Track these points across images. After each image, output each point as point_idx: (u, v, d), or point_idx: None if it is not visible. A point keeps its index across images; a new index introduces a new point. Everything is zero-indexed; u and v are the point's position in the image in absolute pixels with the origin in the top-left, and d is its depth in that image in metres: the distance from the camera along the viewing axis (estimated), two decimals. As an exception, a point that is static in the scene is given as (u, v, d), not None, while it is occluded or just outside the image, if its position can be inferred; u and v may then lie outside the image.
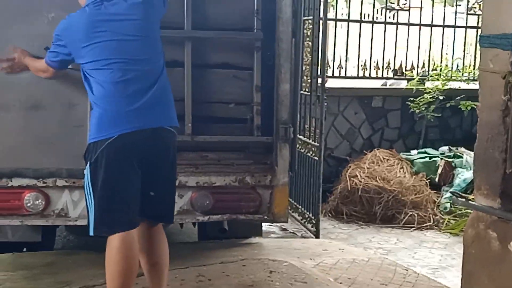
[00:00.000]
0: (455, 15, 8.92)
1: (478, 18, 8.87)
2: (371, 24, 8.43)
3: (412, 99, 8.01)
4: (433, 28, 8.71)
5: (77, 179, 3.95)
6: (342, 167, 7.60)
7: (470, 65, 9.07)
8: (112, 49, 3.17)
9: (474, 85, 7.83)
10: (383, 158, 7.45)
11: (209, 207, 4.21)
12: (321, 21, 5.86)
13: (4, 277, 4.19)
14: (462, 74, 8.79)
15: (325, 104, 6.04)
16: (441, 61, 8.91)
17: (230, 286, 3.94)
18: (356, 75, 8.53)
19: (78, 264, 4.50)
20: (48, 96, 3.93)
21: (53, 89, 3.87)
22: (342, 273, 4.44)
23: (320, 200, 6.06)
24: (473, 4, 9.30)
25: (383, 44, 8.41)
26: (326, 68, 6.54)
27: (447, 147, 7.94)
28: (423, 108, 7.99)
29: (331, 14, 7.99)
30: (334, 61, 8.27)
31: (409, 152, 7.97)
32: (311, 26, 5.95)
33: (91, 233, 3.18)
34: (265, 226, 5.66)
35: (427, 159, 7.67)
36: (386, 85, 8.79)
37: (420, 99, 7.97)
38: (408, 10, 8.71)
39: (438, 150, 7.93)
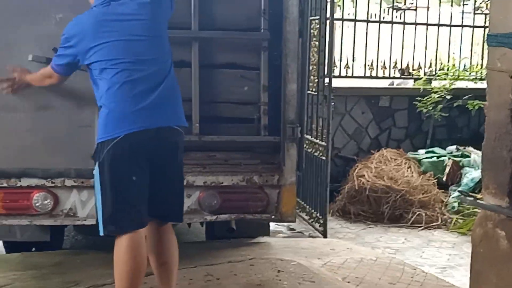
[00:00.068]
0: (462, 14, 8.90)
1: (485, 17, 8.86)
2: (378, 24, 8.42)
3: (419, 98, 8.01)
4: (440, 27, 8.69)
5: (86, 179, 3.97)
6: (350, 166, 7.60)
7: (477, 65, 9.04)
8: (120, 49, 3.18)
9: (482, 85, 7.83)
10: (391, 158, 7.44)
11: (217, 207, 4.22)
12: (327, 21, 5.86)
13: (14, 276, 4.21)
14: (469, 74, 8.76)
15: (332, 103, 6.04)
16: (448, 60, 8.89)
17: (238, 285, 3.95)
18: (363, 74, 8.53)
19: (86, 263, 4.52)
20: (57, 97, 3.95)
21: (61, 89, 3.88)
22: (350, 273, 4.44)
23: (328, 200, 6.07)
24: (480, 3, 9.28)
25: (390, 43, 8.40)
26: (333, 68, 6.54)
27: (454, 147, 7.93)
28: (431, 108, 7.98)
29: (337, 14, 8.00)
30: (341, 61, 8.27)
31: (417, 151, 7.97)
32: (317, 26, 5.95)
33: (101, 233, 3.20)
34: (272, 225, 5.67)
35: (434, 158, 7.66)
36: (393, 84, 8.79)
37: (428, 98, 7.96)
38: (415, 10, 8.70)
39: (445, 150, 7.92)
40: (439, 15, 8.70)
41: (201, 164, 4.21)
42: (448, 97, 7.99)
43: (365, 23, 8.31)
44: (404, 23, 8.64)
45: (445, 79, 8.30)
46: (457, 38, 8.89)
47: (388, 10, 9.36)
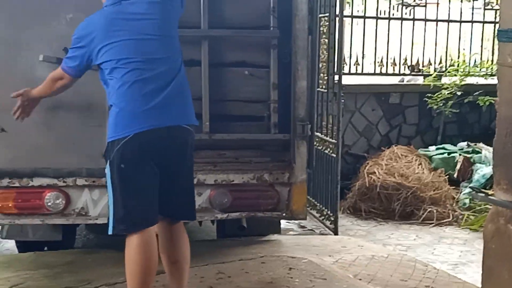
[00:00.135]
0: (472, 10, 8.88)
1: (495, 13, 8.82)
2: (387, 21, 8.41)
3: (429, 95, 7.99)
4: (450, 23, 8.67)
5: (97, 178, 3.99)
6: (360, 164, 7.59)
7: (487, 60, 9.01)
8: (130, 49, 3.19)
9: (492, 80, 7.80)
10: (401, 155, 7.43)
11: (228, 205, 4.22)
12: (337, 18, 5.86)
13: (26, 276, 4.24)
14: (480, 70, 8.74)
15: (342, 101, 6.03)
16: (459, 56, 8.86)
17: (250, 283, 3.95)
18: (373, 71, 8.53)
19: (98, 262, 4.54)
20: (67, 97, 3.95)
21: (72, 89, 3.87)
22: (361, 270, 4.44)
23: (338, 197, 6.06)
24: (490, -1, 9.26)
25: (400, 40, 8.38)
26: (342, 65, 6.53)
27: (465, 143, 7.90)
28: (441, 104, 7.96)
29: (347, 11, 8.00)
30: (350, 58, 8.26)
31: (427, 148, 7.95)
32: (327, 23, 5.94)
33: (110, 232, 3.20)
34: (283, 223, 5.67)
35: (445, 155, 7.64)
36: (403, 81, 8.77)
37: (438, 95, 7.94)
38: (425, 6, 8.68)
39: (456, 146, 7.90)
40: (449, 11, 8.68)
41: (211, 163, 4.21)
42: (459, 93, 7.96)
43: (375, 20, 8.30)
44: (413, 19, 8.62)
45: (455, 75, 8.28)
46: (467, 34, 8.86)
47: (398, 6, 9.34)
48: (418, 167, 7.25)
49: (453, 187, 7.18)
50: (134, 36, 3.19)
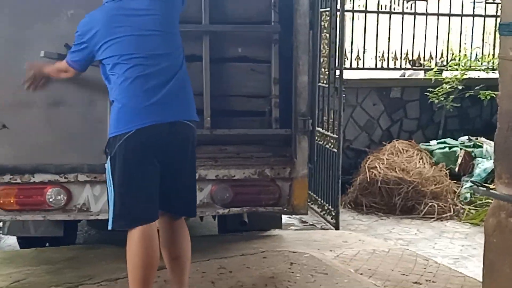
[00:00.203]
0: (474, 4, 8.85)
1: (497, 6, 8.80)
2: (388, 15, 8.39)
3: (431, 89, 7.98)
4: (451, 17, 8.65)
5: (98, 174, 3.98)
6: (361, 158, 7.59)
7: (489, 54, 9.00)
8: (132, 44, 3.19)
9: (494, 74, 7.78)
10: (402, 149, 7.42)
11: (229, 200, 4.23)
12: (338, 13, 5.86)
13: (28, 271, 4.24)
14: (481, 64, 8.72)
15: (343, 95, 6.03)
16: (460, 50, 8.85)
17: (251, 278, 3.96)
18: (374, 66, 8.52)
19: (100, 258, 4.55)
20: (69, 93, 3.97)
21: (73, 85, 3.90)
22: (362, 264, 4.44)
23: (340, 192, 6.06)
24: (492, -8, 9.23)
25: (401, 34, 8.37)
26: (344, 60, 6.52)
27: (466, 137, 7.90)
28: (442, 98, 7.95)
29: (348, 6, 7.97)
30: (351, 53, 8.25)
31: (429, 142, 7.94)
32: (328, 17, 5.93)
33: (110, 227, 3.21)
34: (284, 218, 5.68)
35: (446, 149, 7.63)
36: (404, 75, 8.76)
37: (439, 89, 7.93)
38: (426, 0, 8.66)
39: (457, 140, 7.89)
40: (450, 5, 8.66)
41: (213, 158, 4.22)
42: (460, 87, 7.95)
43: (376, 14, 8.28)
44: (415, 13, 8.60)
45: (456, 70, 8.27)
46: (469, 28, 8.84)
47: (399, 1, 9.32)
48: (419, 162, 7.25)
49: (454, 182, 7.17)
50: (135, 32, 3.20)
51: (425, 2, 8.65)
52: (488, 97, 7.75)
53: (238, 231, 5.05)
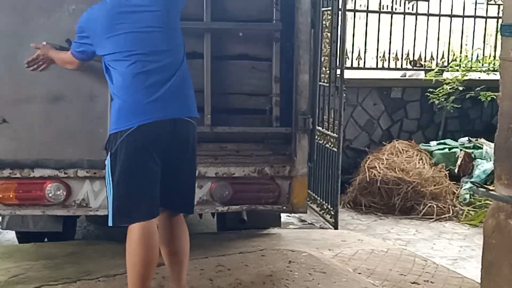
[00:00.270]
0: (475, 5, 8.85)
1: (499, 7, 8.80)
2: (390, 15, 8.40)
3: (431, 90, 7.98)
4: (452, 18, 8.66)
5: (98, 170, 3.98)
6: (361, 158, 7.59)
7: (490, 56, 9.00)
8: (133, 41, 3.19)
9: (494, 76, 7.80)
10: (402, 149, 7.43)
11: (228, 198, 4.23)
12: (339, 12, 5.85)
13: (27, 266, 4.25)
14: (482, 65, 8.73)
15: (344, 95, 6.03)
16: (461, 51, 8.85)
17: (250, 276, 3.96)
18: (375, 66, 8.52)
19: (99, 254, 4.55)
20: (70, 88, 3.97)
21: (74, 81, 3.90)
22: (361, 264, 4.45)
23: (339, 191, 6.06)
24: (494, -7, 9.23)
25: (402, 35, 8.37)
26: (344, 59, 6.52)
27: (466, 138, 7.90)
28: (443, 99, 7.96)
29: (349, 5, 7.97)
30: (352, 52, 8.25)
31: (428, 143, 7.95)
32: (329, 17, 5.93)
33: (110, 223, 3.21)
34: (283, 217, 5.68)
35: (446, 150, 7.64)
36: (405, 76, 8.76)
37: (440, 90, 7.94)
38: (428, 1, 8.65)
39: (457, 141, 7.90)
40: (451, 5, 8.65)
41: (212, 155, 4.21)
42: (461, 88, 7.96)
43: (377, 14, 8.28)
44: (416, 14, 8.60)
45: (457, 70, 8.27)
46: (470, 29, 8.84)
47: (401, 1, 9.32)
48: (419, 162, 7.25)
49: (454, 183, 7.19)
50: (136, 29, 3.20)
51: (426, 3, 8.65)
52: (489, 98, 7.75)
53: (237, 229, 5.05)
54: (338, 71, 5.97)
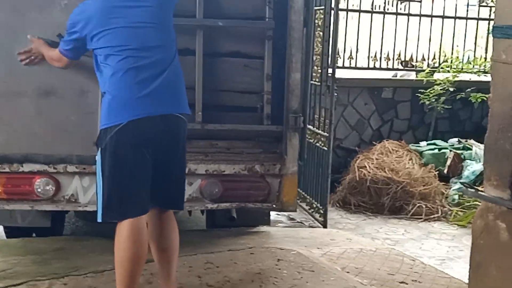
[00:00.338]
0: (467, 6, 8.89)
1: (490, 10, 8.84)
2: (382, 15, 8.41)
3: (422, 90, 8.00)
4: (444, 19, 8.69)
5: (88, 165, 3.97)
6: (351, 157, 7.61)
7: (481, 57, 9.04)
8: (125, 36, 3.17)
9: (485, 77, 7.84)
10: (392, 149, 7.45)
11: (218, 195, 4.22)
12: (332, 11, 5.86)
13: (14, 261, 4.22)
14: (473, 66, 8.77)
15: (335, 94, 6.03)
16: (452, 53, 8.88)
17: (238, 274, 3.96)
18: (366, 66, 8.54)
19: (87, 249, 4.53)
20: (60, 83, 3.94)
21: (65, 76, 3.88)
22: (349, 263, 4.45)
23: (328, 190, 6.08)
24: (485, -4, 9.27)
25: (394, 35, 8.39)
26: (336, 59, 6.52)
27: (456, 139, 7.94)
28: (433, 100, 7.99)
29: (342, 5, 7.98)
30: (344, 52, 8.27)
31: (418, 143, 7.98)
32: (322, 16, 5.94)
33: (99, 219, 3.20)
34: (273, 215, 5.68)
35: (436, 150, 7.67)
36: (396, 76, 8.79)
37: (430, 90, 7.96)
38: (420, 1, 8.68)
39: (447, 142, 7.94)
40: (444, 7, 8.69)
41: (203, 152, 4.20)
42: (451, 89, 7.99)
43: (370, 14, 8.30)
44: (408, 14, 8.62)
45: (448, 72, 8.30)
46: (462, 31, 8.88)
47: (393, 1, 9.34)
48: (408, 162, 7.27)
49: (443, 183, 7.22)
50: (129, 24, 3.18)
51: (419, 4, 8.67)
52: (479, 99, 7.79)
53: (226, 226, 5.05)
54: (330, 70, 5.98)
